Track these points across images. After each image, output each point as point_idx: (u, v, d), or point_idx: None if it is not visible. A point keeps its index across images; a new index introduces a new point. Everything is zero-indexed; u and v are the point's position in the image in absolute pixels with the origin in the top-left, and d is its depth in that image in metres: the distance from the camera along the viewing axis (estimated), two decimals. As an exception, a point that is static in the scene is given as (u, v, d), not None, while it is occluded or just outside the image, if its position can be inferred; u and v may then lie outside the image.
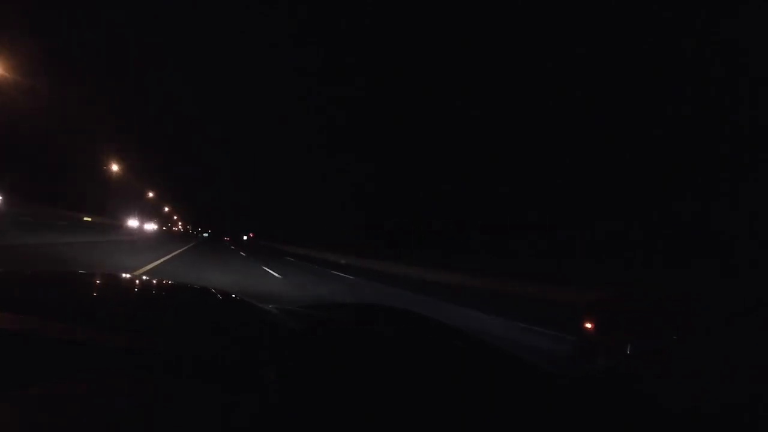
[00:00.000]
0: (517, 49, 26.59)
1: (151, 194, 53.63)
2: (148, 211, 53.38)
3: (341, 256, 23.36)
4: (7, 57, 15.55)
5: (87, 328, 0.63)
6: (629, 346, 1.70)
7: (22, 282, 1.01)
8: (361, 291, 8.97)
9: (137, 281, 1.61)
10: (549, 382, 0.78)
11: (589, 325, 2.27)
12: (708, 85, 15.13)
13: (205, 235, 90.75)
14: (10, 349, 0.58)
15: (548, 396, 0.70)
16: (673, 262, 11.97)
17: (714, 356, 0.56)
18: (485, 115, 27.46)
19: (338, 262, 21.16)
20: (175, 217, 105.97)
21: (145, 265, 7.19)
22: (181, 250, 13.91)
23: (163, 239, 22.89)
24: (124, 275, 1.90)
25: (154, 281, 1.66)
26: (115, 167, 35.87)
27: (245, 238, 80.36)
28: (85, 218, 30.88)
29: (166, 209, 77.03)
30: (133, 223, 38.13)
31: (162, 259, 8.98)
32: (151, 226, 47.96)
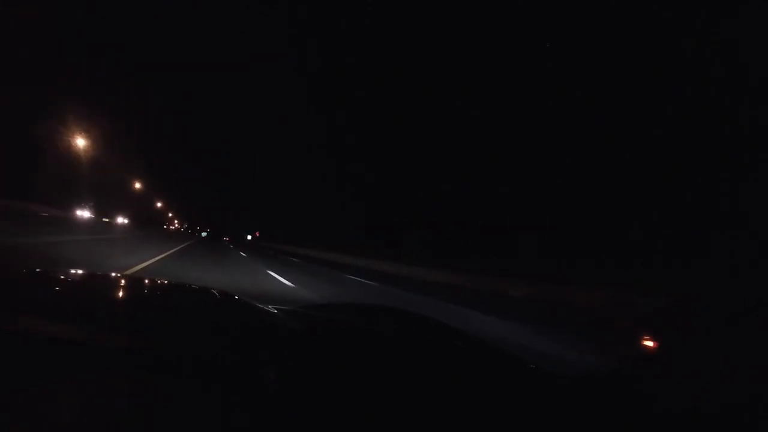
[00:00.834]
0: (516, 49, 26.58)
1: (138, 185, 46.24)
2: (131, 204, 47.66)
3: (349, 257, 21.60)
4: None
5: (87, 329, 0.63)
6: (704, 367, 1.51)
7: (22, 282, 1.01)
8: (395, 301, 6.77)
9: (138, 281, 1.61)
10: (549, 382, 0.78)
11: (650, 344, 2.07)
12: (708, 85, 15.14)
13: (204, 234, 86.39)
14: (10, 349, 0.58)
15: (548, 396, 0.70)
16: (673, 262, 11.98)
17: (714, 356, 0.56)
18: (485, 115, 27.46)
19: (348, 264, 19.39)
20: (171, 215, 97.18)
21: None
22: (157, 258, 8.48)
23: (133, 239, 15.92)
24: (124, 276, 1.90)
25: (155, 282, 1.66)
26: (80, 143, 25.45)
27: (249, 237, 73.72)
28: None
29: (159, 204, 68.98)
30: (83, 213, 30.47)
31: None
32: (122, 221, 40.51)
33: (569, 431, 0.57)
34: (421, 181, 31.71)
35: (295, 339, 0.85)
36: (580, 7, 22.35)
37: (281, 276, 8.45)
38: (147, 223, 55.46)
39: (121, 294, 1.15)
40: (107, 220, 37.08)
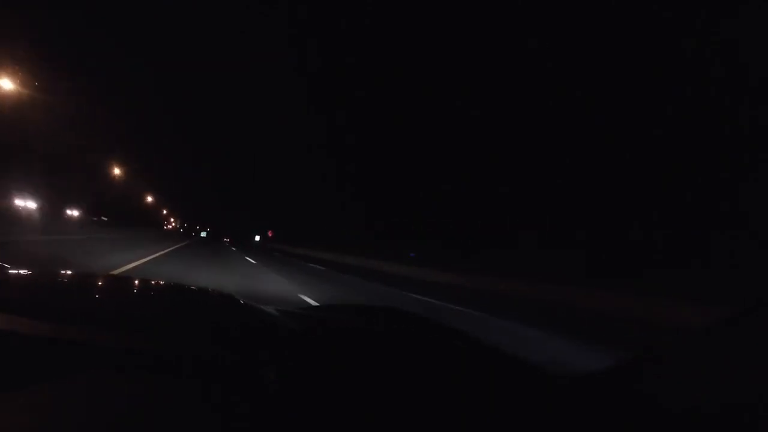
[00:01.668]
0: (516, 49, 26.63)
1: (117, 172, 35.85)
2: (112, 198, 39.54)
3: (373, 261, 18.28)
4: None
5: (87, 329, 0.63)
6: None
7: (22, 282, 1.01)
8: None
9: (137, 282, 1.61)
10: (549, 382, 0.78)
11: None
12: (708, 85, 15.15)
13: (203, 234, 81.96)
14: (10, 349, 0.58)
15: (548, 396, 0.70)
16: (673, 261, 11.98)
17: (714, 356, 0.56)
18: (485, 115, 27.50)
19: (373, 269, 16.13)
20: (165, 211, 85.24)
21: None
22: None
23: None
24: (124, 275, 1.90)
25: (155, 282, 1.66)
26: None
27: (257, 239, 61.54)
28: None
29: (149, 199, 58.31)
30: (27, 204, 22.20)
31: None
32: (74, 213, 31.05)
33: (569, 431, 0.57)
34: (421, 180, 31.69)
35: (295, 339, 0.85)
36: (581, 7, 22.37)
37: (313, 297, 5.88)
38: (138, 220, 48.48)
39: (120, 294, 1.15)
40: (77, 214, 30.68)
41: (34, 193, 23.74)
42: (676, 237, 13.55)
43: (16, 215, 17.15)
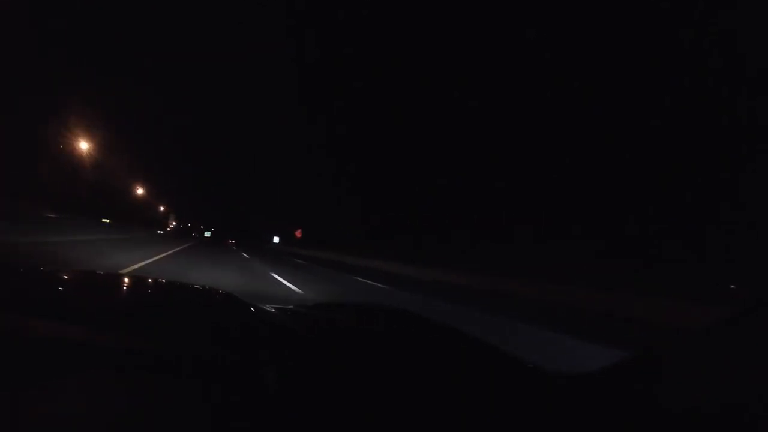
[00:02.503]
0: (514, 41, 26.48)
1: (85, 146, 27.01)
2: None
3: (412, 267, 15.90)
4: None
5: (87, 328, 0.62)
6: None
7: (22, 280, 1.01)
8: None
9: (137, 281, 1.61)
10: (548, 382, 0.78)
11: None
12: (706, 76, 15.11)
13: (207, 234, 78.11)
14: (10, 350, 0.58)
15: (547, 395, 0.70)
16: (673, 260, 12.02)
17: (714, 356, 0.56)
18: (480, 108, 27.37)
19: (401, 274, 14.74)
20: (162, 208, 70.93)
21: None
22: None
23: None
24: (124, 275, 1.90)
25: (155, 281, 1.65)
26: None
27: (276, 240, 51.17)
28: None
29: (140, 191, 47.01)
30: None
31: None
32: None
33: (568, 431, 0.57)
34: (418, 176, 31.41)
35: (295, 339, 0.85)
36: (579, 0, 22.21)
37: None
38: (124, 217, 37.94)
39: (120, 293, 1.14)
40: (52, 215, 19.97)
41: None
42: (672, 231, 13.60)
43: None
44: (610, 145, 17.85)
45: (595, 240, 14.92)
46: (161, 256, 10.07)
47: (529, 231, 18.45)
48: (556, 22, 23.13)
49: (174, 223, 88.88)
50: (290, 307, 1.26)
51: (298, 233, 45.53)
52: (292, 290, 6.83)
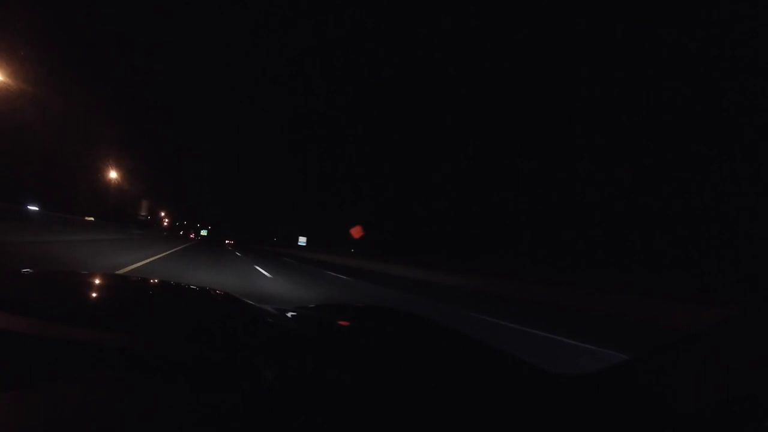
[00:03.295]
0: (513, 39, 26.51)
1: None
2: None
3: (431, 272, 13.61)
4: None
5: (86, 329, 0.63)
6: None
7: (21, 282, 1.01)
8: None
9: (136, 281, 1.61)
10: (548, 382, 0.78)
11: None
12: (704, 71, 15.06)
13: (204, 233, 77.53)
14: (10, 350, 0.58)
15: (548, 395, 0.70)
16: (673, 260, 11.98)
17: (714, 356, 0.56)
18: (478, 107, 27.35)
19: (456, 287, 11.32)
20: (143, 201, 54.04)
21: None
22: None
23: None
24: (124, 275, 1.90)
25: (154, 282, 1.65)
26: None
27: (302, 242, 44.42)
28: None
29: (115, 176, 33.45)
30: None
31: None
32: None
33: (568, 431, 0.57)
34: (418, 175, 31.10)
35: (295, 339, 0.85)
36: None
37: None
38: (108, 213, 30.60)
39: (120, 294, 1.14)
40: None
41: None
42: (672, 231, 13.55)
43: None
44: (610, 145, 17.85)
45: (597, 248, 14.91)
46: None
47: (526, 237, 18.47)
48: (555, 19, 23.12)
49: (167, 221, 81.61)
50: (291, 307, 1.26)
51: (356, 231, 31.26)
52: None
